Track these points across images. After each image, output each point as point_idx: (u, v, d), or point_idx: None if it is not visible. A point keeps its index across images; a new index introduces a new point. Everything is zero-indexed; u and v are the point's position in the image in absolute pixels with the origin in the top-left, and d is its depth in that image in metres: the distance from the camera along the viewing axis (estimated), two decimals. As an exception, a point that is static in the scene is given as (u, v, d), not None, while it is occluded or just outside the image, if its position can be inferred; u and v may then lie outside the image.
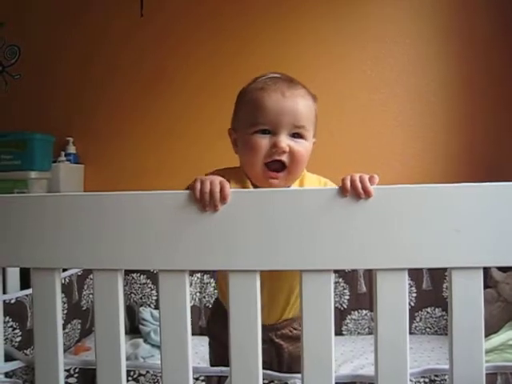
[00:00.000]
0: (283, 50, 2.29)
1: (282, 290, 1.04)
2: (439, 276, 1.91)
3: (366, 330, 1.93)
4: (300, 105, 0.95)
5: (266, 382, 0.87)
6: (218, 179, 0.76)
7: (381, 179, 0.75)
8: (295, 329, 1.08)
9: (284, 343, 1.07)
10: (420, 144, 2.25)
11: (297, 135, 0.96)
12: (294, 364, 1.05)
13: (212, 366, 1.10)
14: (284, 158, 0.95)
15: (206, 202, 0.74)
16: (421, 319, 1.92)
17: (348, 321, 1.93)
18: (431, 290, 1.92)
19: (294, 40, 2.30)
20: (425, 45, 2.25)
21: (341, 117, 2.24)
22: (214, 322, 1.17)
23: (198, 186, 0.75)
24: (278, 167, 0.96)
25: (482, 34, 2.20)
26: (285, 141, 0.94)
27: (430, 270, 1.91)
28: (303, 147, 0.96)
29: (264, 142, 0.94)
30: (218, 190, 0.74)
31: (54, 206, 0.78)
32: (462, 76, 2.21)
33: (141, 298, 1.99)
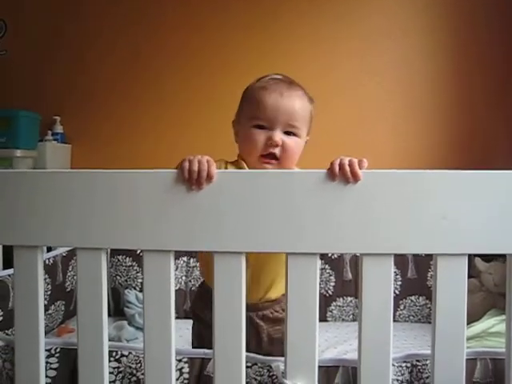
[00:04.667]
0: (274, 42, 2.28)
1: (267, 271, 1.06)
2: (424, 265, 1.92)
3: (351, 316, 1.94)
4: (296, 105, 1.04)
5: (249, 364, 0.87)
6: (205, 158, 0.76)
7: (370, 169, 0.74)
8: (276, 311, 1.10)
9: (264, 324, 1.09)
10: (409, 135, 2.26)
11: (290, 133, 1.04)
12: (272, 346, 1.07)
13: (194, 347, 1.11)
14: (277, 150, 1.03)
15: (193, 180, 0.73)
16: (405, 307, 1.94)
17: (333, 307, 1.94)
18: (416, 279, 1.93)
19: (285, 32, 2.29)
20: (416, 38, 2.26)
21: (330, 109, 2.23)
22: (198, 302, 1.19)
23: (187, 165, 0.74)
24: (272, 158, 1.04)
25: (475, 29, 2.20)
26: (279, 135, 1.02)
27: (415, 258, 1.93)
28: (295, 142, 1.05)
29: (261, 136, 1.03)
30: (205, 168, 0.73)
31: (34, 183, 0.76)
32: (451, 71, 2.22)
33: (126, 281, 1.98)
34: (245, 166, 1.07)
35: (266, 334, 1.10)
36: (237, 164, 1.09)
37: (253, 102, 1.05)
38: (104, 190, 0.75)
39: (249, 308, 1.03)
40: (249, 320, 1.06)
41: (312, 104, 1.10)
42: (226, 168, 1.06)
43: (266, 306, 1.10)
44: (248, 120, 1.05)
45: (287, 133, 1.04)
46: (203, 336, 1.09)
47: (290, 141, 1.04)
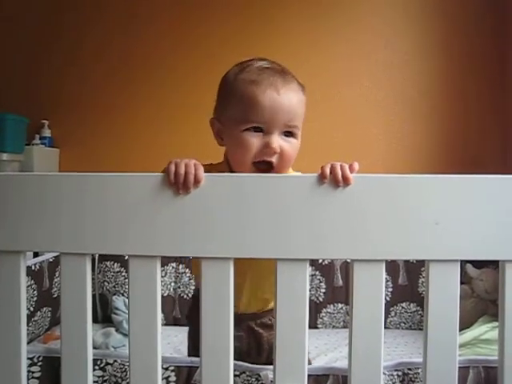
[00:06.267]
0: (270, 39, 2.28)
1: (266, 281, 1.00)
2: (415, 271, 1.92)
3: (341, 323, 1.92)
4: (294, 102, 0.93)
5: (237, 373, 0.85)
6: (192, 161, 0.73)
7: (362, 172, 0.73)
8: (274, 317, 1.07)
9: (263, 331, 1.06)
10: (401, 136, 2.26)
11: (289, 134, 0.94)
12: (272, 353, 1.03)
13: (189, 355, 1.07)
14: (274, 158, 0.92)
15: (179, 184, 0.71)
16: (395, 314, 1.93)
17: (323, 314, 1.93)
18: (407, 285, 1.92)
19: (281, 30, 2.30)
20: (411, 40, 2.26)
21: (323, 109, 2.22)
22: (194, 308, 1.15)
23: (173, 168, 0.72)
24: (266, 168, 0.93)
25: (467, 29, 2.22)
26: (278, 141, 0.91)
27: (406, 264, 1.92)
28: (293, 148, 0.94)
29: (256, 140, 0.91)
30: (192, 171, 0.71)
31: (19, 186, 0.74)
32: (443, 71, 2.24)
33: (114, 287, 1.95)
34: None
35: (267, 340, 1.07)
36: (221, 168, 0.99)
37: (244, 100, 0.91)
38: (84, 194, 0.73)
39: (248, 317, 1.02)
40: (248, 329, 1.04)
41: (304, 93, 0.98)
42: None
43: (264, 314, 1.07)
44: (238, 123, 0.92)
45: (285, 134, 0.93)
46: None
47: (288, 146, 0.93)
